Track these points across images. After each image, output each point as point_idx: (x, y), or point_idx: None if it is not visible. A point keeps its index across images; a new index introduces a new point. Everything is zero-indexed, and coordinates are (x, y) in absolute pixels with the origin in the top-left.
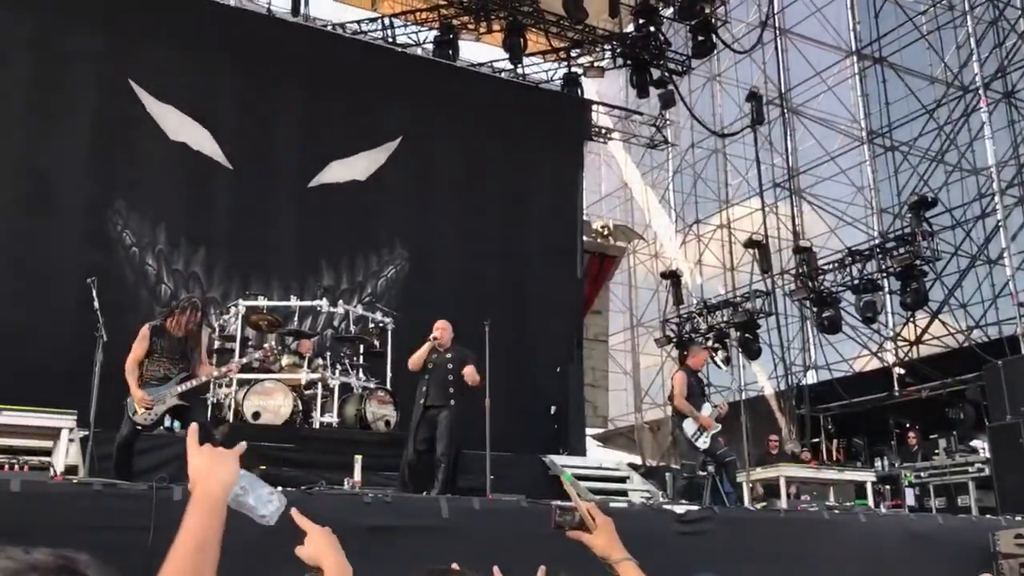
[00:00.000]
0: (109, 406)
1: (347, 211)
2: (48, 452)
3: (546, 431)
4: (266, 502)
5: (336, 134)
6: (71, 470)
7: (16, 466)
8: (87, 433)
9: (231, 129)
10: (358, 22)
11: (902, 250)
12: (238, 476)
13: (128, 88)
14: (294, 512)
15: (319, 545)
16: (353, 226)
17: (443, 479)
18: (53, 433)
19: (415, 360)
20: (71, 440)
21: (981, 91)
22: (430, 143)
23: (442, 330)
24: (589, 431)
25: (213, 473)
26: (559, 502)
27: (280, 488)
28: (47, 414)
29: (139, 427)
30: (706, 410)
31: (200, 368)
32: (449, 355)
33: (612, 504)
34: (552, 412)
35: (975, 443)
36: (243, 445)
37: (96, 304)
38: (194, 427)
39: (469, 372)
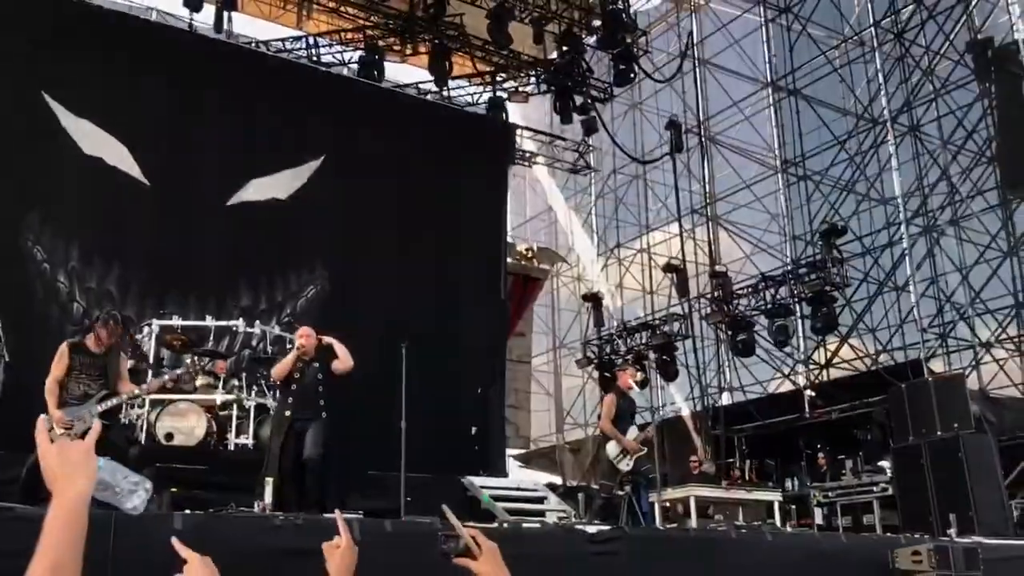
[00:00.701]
0: (12, 429)
1: (267, 230)
2: None
3: (467, 452)
4: (130, 493)
5: (258, 152)
6: None
7: None
8: None
9: (149, 145)
10: (282, 40)
11: (813, 276)
12: (95, 474)
13: (42, 100)
14: (175, 541)
15: None
16: (273, 245)
17: (313, 486)
18: None
19: (279, 370)
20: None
21: (889, 124)
22: (354, 163)
23: (306, 337)
24: (510, 452)
25: (68, 480)
26: (444, 531)
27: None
28: None
29: None
30: (631, 433)
31: (121, 385)
32: (316, 364)
33: (524, 525)
34: (473, 433)
35: (882, 463)
36: (96, 429)
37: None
38: (41, 421)
39: (342, 355)
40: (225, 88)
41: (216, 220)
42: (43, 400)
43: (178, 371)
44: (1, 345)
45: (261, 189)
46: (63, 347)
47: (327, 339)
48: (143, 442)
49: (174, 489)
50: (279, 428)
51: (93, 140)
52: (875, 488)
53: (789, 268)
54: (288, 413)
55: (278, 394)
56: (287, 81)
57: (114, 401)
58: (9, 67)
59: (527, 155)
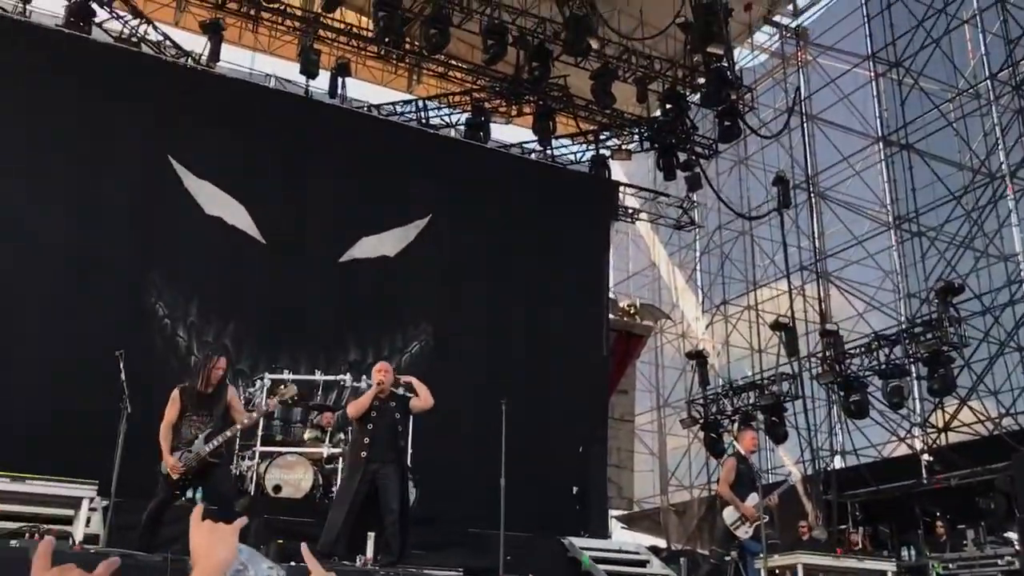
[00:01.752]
0: (131, 477)
1: (375, 286)
2: (70, 521)
3: (567, 512)
4: None
5: (368, 211)
6: (91, 539)
7: (37, 534)
8: (108, 503)
9: (265, 205)
10: (393, 104)
11: (929, 335)
12: (236, 553)
13: (167, 163)
14: (304, 549)
15: None
16: (380, 302)
17: (399, 541)
18: (74, 502)
19: (357, 407)
20: (93, 510)
21: (1008, 179)
22: (459, 222)
23: (384, 372)
24: (613, 512)
25: (212, 552)
26: None
27: (291, 563)
28: (68, 483)
29: (175, 492)
30: (751, 500)
31: (234, 415)
32: (393, 403)
33: None
34: (574, 493)
35: (1007, 534)
36: (243, 520)
37: (123, 376)
38: (199, 508)
39: (422, 393)
40: (338, 150)
41: (327, 277)
42: (149, 451)
43: (273, 399)
44: (124, 398)
45: (371, 247)
46: (175, 392)
47: (407, 377)
48: (252, 492)
49: (280, 541)
50: (353, 471)
51: (213, 201)
52: (1000, 561)
53: (904, 327)
54: (364, 455)
55: (352, 433)
56: (397, 143)
57: (227, 434)
58: (138, 132)
59: (630, 211)
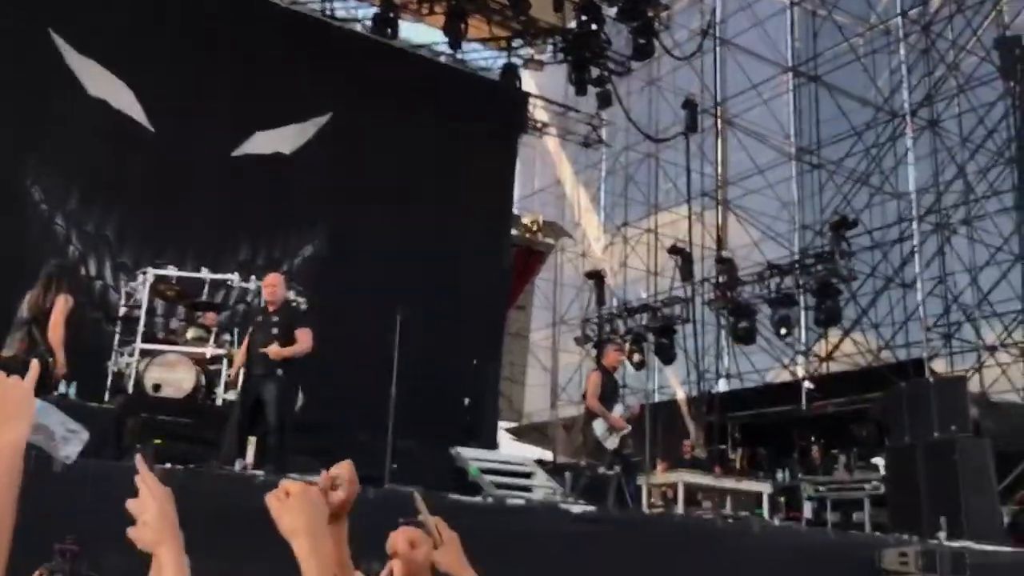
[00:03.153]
0: None
1: (269, 185)
2: None
3: (457, 423)
4: (65, 440)
5: (264, 104)
6: None
7: None
8: None
9: (156, 90)
10: None
11: (820, 267)
12: (32, 417)
13: (47, 38)
14: (139, 460)
15: (154, 529)
16: (274, 200)
17: (276, 453)
18: None
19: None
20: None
21: (908, 117)
22: (361, 122)
23: (271, 286)
24: (502, 425)
25: (6, 423)
26: (407, 518)
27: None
28: None
29: None
30: (617, 411)
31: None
32: (276, 318)
33: (509, 500)
34: (465, 404)
35: (876, 461)
36: (35, 369)
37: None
38: None
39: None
40: (237, 38)
41: (219, 171)
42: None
43: None
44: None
45: (266, 142)
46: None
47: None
48: (130, 391)
49: (158, 441)
50: (241, 382)
51: (98, 81)
52: (867, 486)
53: (796, 258)
54: (246, 368)
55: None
56: (299, 34)
57: None
58: (16, 2)
59: (539, 125)
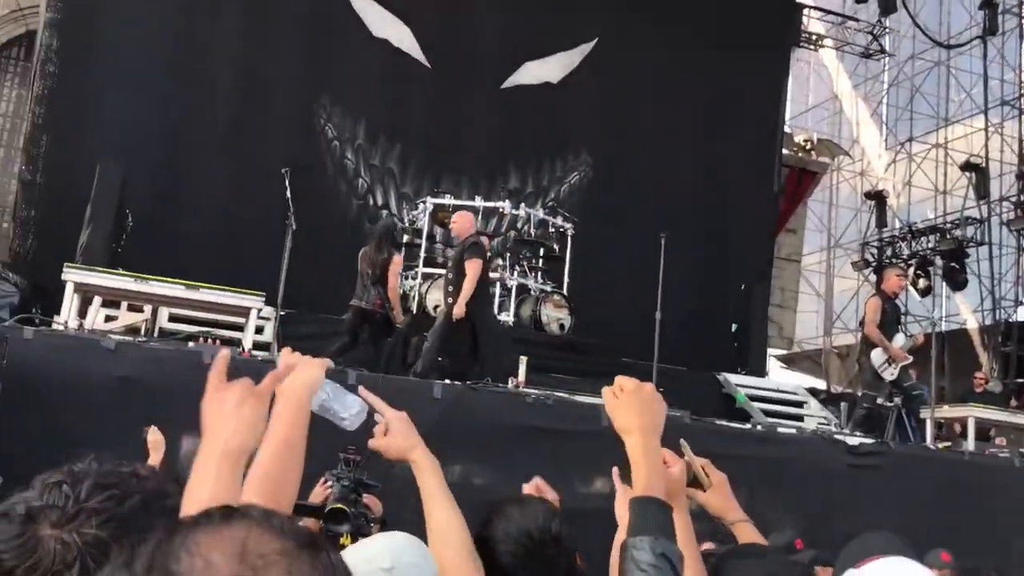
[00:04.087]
0: (297, 290)
1: (537, 114)
2: (241, 328)
3: (725, 349)
4: (348, 407)
5: (533, 35)
6: (262, 347)
7: (210, 339)
8: (276, 314)
9: (431, 27)
10: None
11: None
12: (322, 382)
13: None
14: (362, 390)
15: (404, 436)
16: (542, 129)
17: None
18: (243, 311)
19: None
20: (264, 319)
21: None
22: (626, 45)
23: (454, 221)
24: (772, 352)
25: (300, 375)
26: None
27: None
28: (238, 294)
29: None
30: (898, 340)
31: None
32: (452, 252)
33: (780, 429)
34: (733, 330)
35: None
36: (328, 360)
37: (288, 194)
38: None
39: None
40: None
41: (490, 102)
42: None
43: None
44: (290, 214)
45: (534, 72)
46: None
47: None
48: (414, 311)
49: (440, 359)
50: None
51: (380, 22)
52: None
53: None
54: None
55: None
56: None
57: None
58: None
59: (813, 37)
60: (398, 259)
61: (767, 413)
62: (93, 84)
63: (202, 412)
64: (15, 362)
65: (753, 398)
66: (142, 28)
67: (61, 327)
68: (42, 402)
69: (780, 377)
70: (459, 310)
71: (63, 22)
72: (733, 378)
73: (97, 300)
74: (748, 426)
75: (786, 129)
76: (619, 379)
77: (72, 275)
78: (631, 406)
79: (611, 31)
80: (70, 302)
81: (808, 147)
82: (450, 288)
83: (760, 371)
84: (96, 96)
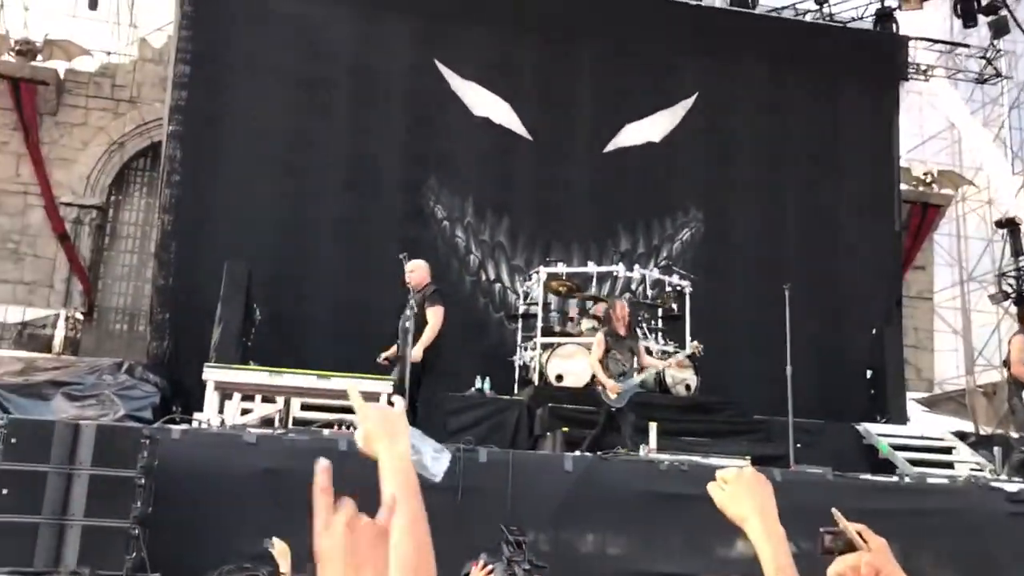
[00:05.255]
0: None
1: (642, 174)
2: None
3: (861, 397)
4: (434, 459)
5: (631, 96)
6: None
7: (343, 427)
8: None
9: (530, 100)
10: None
11: None
12: (408, 436)
13: (434, 68)
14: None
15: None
16: (648, 189)
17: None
18: (374, 397)
19: None
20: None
21: None
22: (727, 97)
23: (411, 271)
24: (912, 396)
25: (394, 439)
26: (827, 527)
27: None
28: (367, 379)
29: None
30: None
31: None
32: (413, 299)
33: (930, 480)
34: (868, 377)
35: None
36: (402, 403)
37: (406, 277)
38: (353, 387)
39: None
40: (597, 35)
41: (594, 167)
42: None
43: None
44: (410, 299)
45: (636, 133)
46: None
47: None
48: (536, 382)
49: (565, 429)
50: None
51: (479, 101)
52: None
53: None
54: None
55: None
56: (658, 20)
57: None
58: (406, 40)
59: (922, 68)
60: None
61: (913, 462)
62: (215, 189)
63: (320, 548)
64: (165, 460)
65: (897, 447)
66: (257, 133)
67: (204, 424)
68: (190, 497)
69: (923, 422)
70: (418, 354)
71: (184, 134)
72: (873, 427)
73: (236, 396)
74: (895, 478)
75: (903, 164)
76: (719, 472)
77: (212, 374)
78: (739, 494)
79: (711, 84)
80: (211, 399)
81: (929, 180)
82: (409, 337)
83: (901, 418)
84: (219, 200)
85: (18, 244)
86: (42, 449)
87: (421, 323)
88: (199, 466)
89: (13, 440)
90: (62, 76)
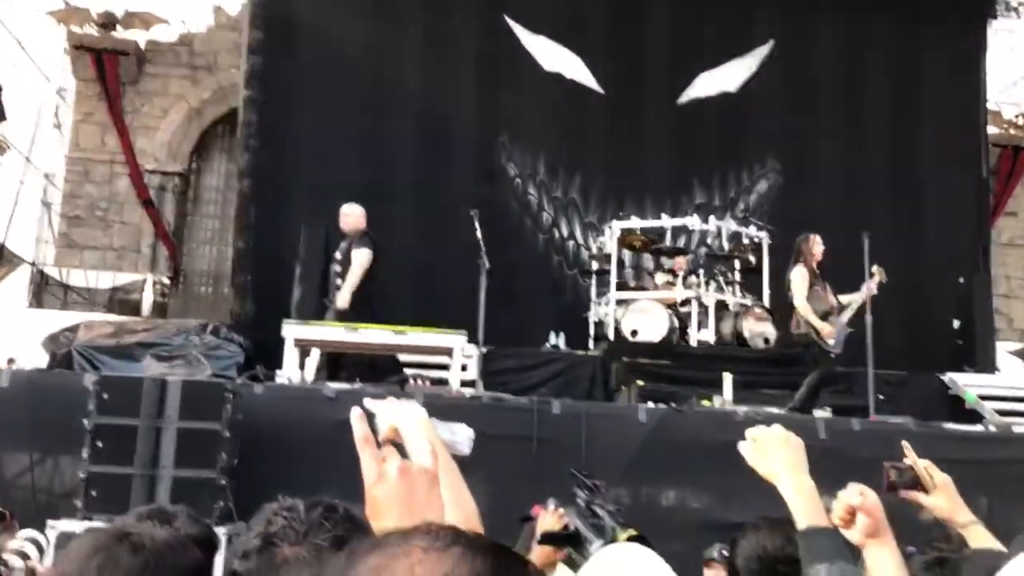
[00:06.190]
0: (494, 327)
1: (717, 125)
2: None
3: (947, 347)
4: (457, 432)
5: (704, 45)
6: (468, 383)
7: (419, 380)
8: (477, 351)
9: (601, 54)
10: None
11: None
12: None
13: (504, 24)
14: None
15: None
16: (723, 140)
17: None
18: (447, 351)
19: None
20: (468, 356)
21: None
22: (804, 42)
23: (346, 214)
24: (1002, 346)
25: (414, 422)
26: (892, 462)
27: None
28: (441, 334)
29: None
30: None
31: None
32: (342, 245)
33: (1016, 429)
34: (955, 327)
35: None
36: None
37: (478, 234)
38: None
39: None
40: None
41: (668, 120)
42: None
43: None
44: (482, 254)
45: (710, 83)
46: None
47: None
48: (611, 338)
49: (640, 383)
50: None
51: (550, 56)
52: None
53: None
54: None
55: None
56: None
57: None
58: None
59: (1013, 5)
60: None
61: (1001, 412)
62: (291, 153)
63: (375, 497)
64: (248, 415)
65: (984, 397)
66: (330, 97)
67: (285, 381)
68: (273, 450)
69: (1013, 372)
70: (343, 301)
71: (260, 99)
72: (960, 377)
73: (315, 352)
74: (980, 428)
75: (991, 107)
76: (748, 431)
77: (290, 330)
78: (768, 450)
79: (788, 29)
80: (291, 355)
81: (1021, 123)
82: (338, 282)
83: (990, 368)
84: (294, 163)
85: (106, 211)
86: (132, 404)
87: (347, 268)
88: (281, 420)
89: (105, 395)
90: (142, 46)
